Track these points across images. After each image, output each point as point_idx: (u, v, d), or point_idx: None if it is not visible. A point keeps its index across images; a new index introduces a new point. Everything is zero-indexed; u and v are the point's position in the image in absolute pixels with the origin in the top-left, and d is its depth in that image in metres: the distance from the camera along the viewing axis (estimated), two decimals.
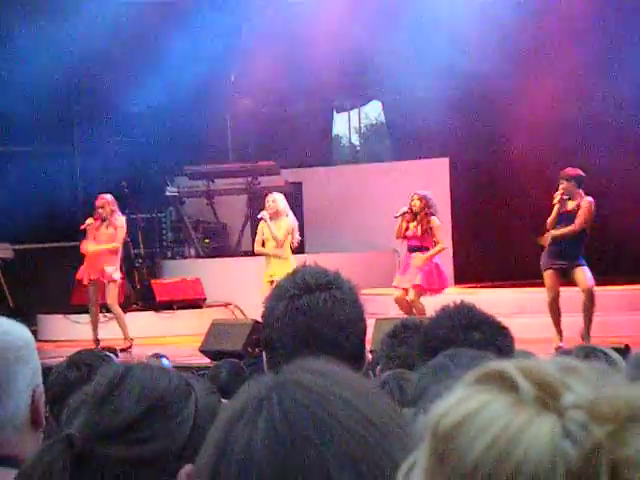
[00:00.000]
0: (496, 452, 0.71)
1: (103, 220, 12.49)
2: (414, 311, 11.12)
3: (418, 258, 11.16)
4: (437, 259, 11.41)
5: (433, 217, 11.26)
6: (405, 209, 11.31)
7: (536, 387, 0.73)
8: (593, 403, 0.72)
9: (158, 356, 7.97)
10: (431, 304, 10.79)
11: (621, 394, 0.73)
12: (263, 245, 11.87)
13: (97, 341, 12.34)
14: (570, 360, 0.77)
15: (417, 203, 11.24)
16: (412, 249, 11.39)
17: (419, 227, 11.26)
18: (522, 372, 0.74)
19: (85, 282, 12.67)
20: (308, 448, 0.93)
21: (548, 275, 10.42)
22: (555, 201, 10.46)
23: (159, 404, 1.57)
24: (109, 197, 12.65)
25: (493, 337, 2.43)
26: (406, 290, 11.23)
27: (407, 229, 11.32)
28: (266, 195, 12.18)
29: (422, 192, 11.38)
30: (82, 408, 1.58)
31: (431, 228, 11.21)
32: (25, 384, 1.91)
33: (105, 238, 12.52)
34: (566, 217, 10.41)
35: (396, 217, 11.33)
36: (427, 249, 11.31)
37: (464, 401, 0.75)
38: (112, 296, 12.57)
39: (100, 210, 12.49)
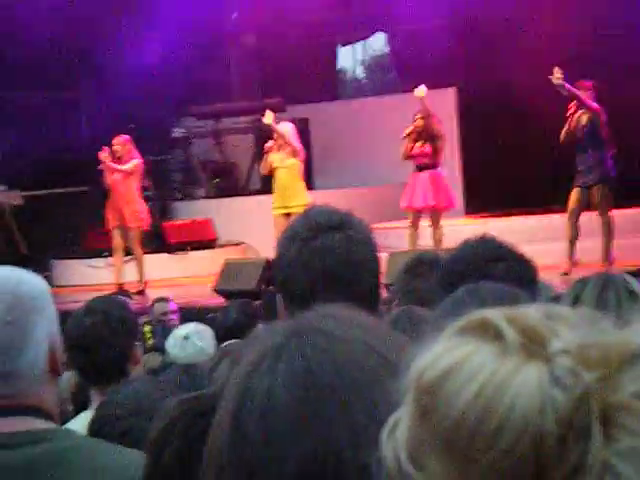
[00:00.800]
0: (482, 402, 0.69)
1: (119, 159, 12.40)
2: (432, 238, 11.21)
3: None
4: (444, 174, 11.54)
5: (441, 132, 11.48)
6: (410, 128, 11.40)
7: (522, 335, 0.71)
8: (581, 348, 0.70)
9: (164, 299, 8.03)
10: (448, 236, 10.84)
11: (610, 339, 0.71)
12: (270, 175, 11.78)
13: (121, 285, 12.37)
14: (557, 307, 0.75)
15: (420, 122, 11.32)
16: (421, 167, 11.47)
17: (428, 146, 11.35)
18: (507, 320, 0.72)
19: (110, 227, 12.64)
20: (330, 393, 0.93)
21: (572, 193, 10.58)
22: (569, 114, 10.59)
23: None
24: (126, 137, 12.62)
25: (516, 268, 2.39)
26: (418, 210, 11.39)
27: (412, 148, 11.40)
28: (272, 132, 12.11)
29: (427, 111, 11.46)
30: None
31: (439, 146, 11.41)
32: (42, 333, 1.92)
33: (117, 181, 12.50)
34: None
35: (403, 138, 11.43)
36: (436, 167, 11.44)
37: (448, 352, 0.73)
38: (136, 238, 12.59)
39: (116, 148, 12.41)
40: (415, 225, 11.47)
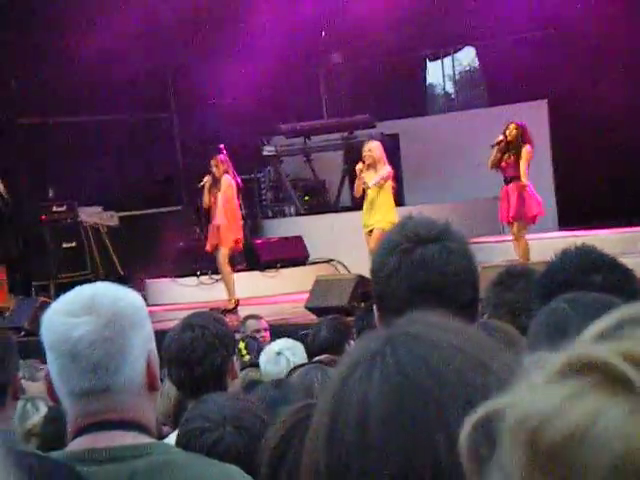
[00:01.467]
0: (621, 473, 0.62)
1: (216, 180, 12.45)
2: (517, 250, 11.10)
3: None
4: (529, 185, 11.29)
5: (526, 145, 11.17)
6: (500, 137, 11.24)
7: None
8: None
9: (255, 317, 8.07)
10: (542, 249, 10.70)
11: None
12: (364, 194, 11.66)
13: (237, 301, 12.41)
14: None
15: (514, 132, 11.18)
16: (507, 180, 11.33)
17: (513, 156, 11.18)
18: (628, 359, 0.64)
19: (210, 249, 12.68)
20: (424, 397, 0.92)
21: None
22: None
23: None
24: (222, 157, 12.69)
25: (617, 280, 2.32)
26: (513, 221, 11.29)
27: (501, 159, 11.26)
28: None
29: (519, 122, 11.31)
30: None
31: (520, 156, 11.15)
32: (140, 349, 1.94)
33: (217, 200, 12.51)
34: None
35: (492, 146, 11.30)
36: (520, 177, 11.26)
37: (569, 404, 0.65)
38: (223, 258, 12.66)
39: (213, 169, 12.48)
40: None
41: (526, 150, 11.14)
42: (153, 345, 2.00)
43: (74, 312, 1.91)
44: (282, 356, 5.31)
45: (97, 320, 1.90)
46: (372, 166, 11.46)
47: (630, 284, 2.39)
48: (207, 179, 12.47)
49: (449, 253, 1.91)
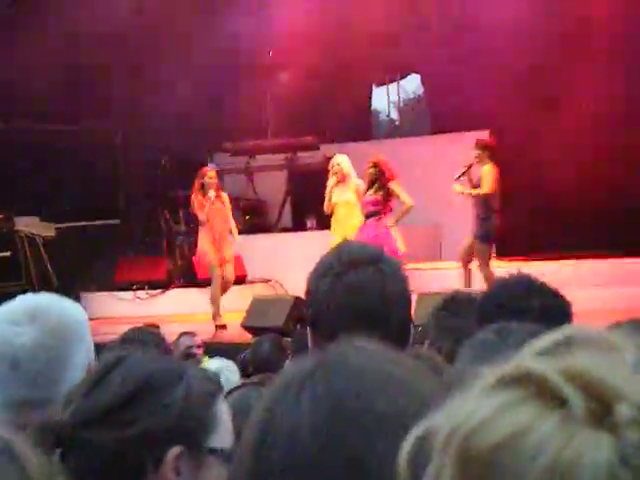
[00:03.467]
0: None
1: (204, 190, 12.05)
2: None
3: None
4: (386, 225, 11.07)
5: (392, 181, 11.05)
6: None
7: (585, 397, 0.64)
8: None
9: (189, 334, 8.03)
10: (480, 277, 10.78)
11: None
12: (332, 213, 11.47)
13: (223, 325, 12.10)
14: (608, 339, 0.68)
15: (372, 170, 11.04)
16: (367, 215, 11.11)
17: (379, 192, 11.00)
18: (565, 376, 0.65)
19: (211, 261, 12.27)
20: (352, 422, 0.92)
21: None
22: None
23: (144, 387, 1.57)
24: (215, 168, 12.37)
25: (551, 304, 2.43)
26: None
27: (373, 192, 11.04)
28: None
29: (376, 157, 11.16)
30: (74, 396, 1.60)
31: (393, 190, 11.01)
32: (81, 361, 1.93)
33: (218, 213, 12.19)
34: None
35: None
36: (382, 214, 11.06)
37: (501, 415, 0.65)
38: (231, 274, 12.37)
39: (209, 180, 12.06)
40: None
41: (396, 186, 11.06)
42: (92, 356, 1.99)
43: (17, 320, 1.90)
44: (223, 375, 5.28)
45: (40, 329, 1.89)
46: (342, 181, 11.35)
47: (564, 309, 2.48)
48: (213, 193, 12.10)
49: (382, 277, 1.92)
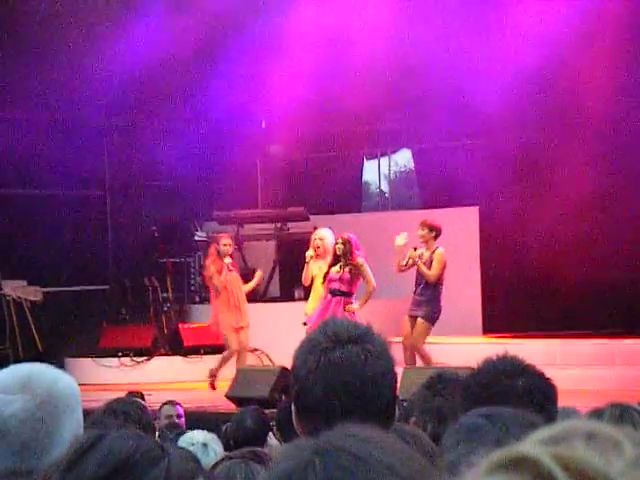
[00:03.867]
0: None
1: (221, 258, 12.14)
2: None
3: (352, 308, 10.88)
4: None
5: (359, 258, 11.01)
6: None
7: None
8: None
9: (172, 403, 7.98)
10: (466, 353, 10.77)
11: None
12: (311, 284, 11.47)
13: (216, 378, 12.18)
14: (600, 429, 0.69)
15: (341, 247, 10.96)
16: (331, 291, 11.02)
17: (345, 269, 10.94)
18: (559, 462, 0.65)
19: (228, 329, 12.30)
20: None
21: None
22: None
23: (124, 467, 1.54)
24: (229, 235, 12.40)
25: (537, 385, 2.43)
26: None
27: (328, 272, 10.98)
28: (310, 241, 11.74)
29: (347, 235, 11.12)
30: (53, 475, 1.57)
31: (361, 271, 10.96)
32: (70, 433, 1.92)
33: (234, 280, 12.31)
34: None
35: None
36: (349, 294, 11.02)
37: None
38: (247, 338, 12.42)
39: (226, 248, 12.22)
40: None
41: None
42: (82, 430, 1.98)
43: (8, 389, 1.89)
44: (209, 447, 5.23)
45: (31, 399, 1.88)
46: (322, 256, 11.35)
47: (549, 391, 2.50)
48: (229, 260, 12.22)
49: (368, 356, 1.93)
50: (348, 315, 10.63)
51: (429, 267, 10.98)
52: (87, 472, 1.53)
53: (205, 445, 5.22)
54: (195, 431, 5.57)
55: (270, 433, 6.18)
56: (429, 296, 11.00)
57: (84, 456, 1.56)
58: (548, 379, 2.55)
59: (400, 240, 11.14)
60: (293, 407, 1.99)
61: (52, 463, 1.61)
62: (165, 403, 8.04)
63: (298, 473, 0.96)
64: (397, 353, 9.51)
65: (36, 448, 1.86)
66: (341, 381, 1.90)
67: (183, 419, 7.71)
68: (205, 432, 5.48)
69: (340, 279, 10.94)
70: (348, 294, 11.00)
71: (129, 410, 3.26)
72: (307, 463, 0.96)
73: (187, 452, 1.69)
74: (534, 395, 2.33)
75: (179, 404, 7.98)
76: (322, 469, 0.95)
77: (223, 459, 4.02)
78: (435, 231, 11.12)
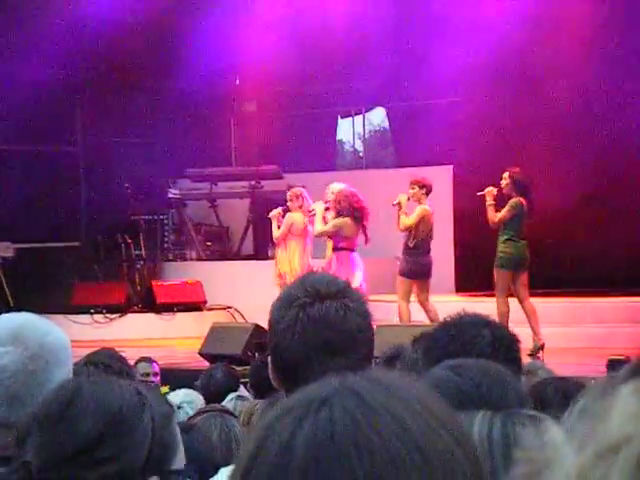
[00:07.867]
0: None
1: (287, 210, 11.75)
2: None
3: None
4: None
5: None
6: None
7: None
8: None
9: (148, 360, 7.97)
10: (439, 312, 10.82)
11: None
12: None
13: None
14: None
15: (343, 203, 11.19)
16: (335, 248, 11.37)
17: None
18: None
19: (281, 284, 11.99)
20: (343, 462, 0.90)
21: None
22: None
23: (116, 421, 1.53)
24: (298, 190, 11.89)
25: (502, 335, 2.46)
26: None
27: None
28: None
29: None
30: (34, 430, 1.54)
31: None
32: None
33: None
34: None
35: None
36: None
37: None
38: None
39: (289, 204, 11.81)
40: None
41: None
42: None
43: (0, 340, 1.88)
44: (182, 410, 5.24)
45: (23, 352, 1.87)
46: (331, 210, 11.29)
47: (512, 338, 2.53)
48: (277, 211, 11.85)
49: (346, 311, 1.93)
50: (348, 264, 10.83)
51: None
52: (76, 431, 1.52)
53: (179, 407, 5.23)
54: (178, 391, 5.56)
55: (242, 388, 6.21)
56: (403, 251, 11.14)
57: (67, 412, 1.54)
58: (510, 330, 2.58)
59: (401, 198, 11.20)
60: (270, 361, 1.99)
61: (28, 414, 1.59)
62: (140, 360, 8.02)
63: (302, 408, 0.94)
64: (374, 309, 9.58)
65: (26, 400, 1.86)
66: (320, 336, 1.91)
67: (159, 377, 7.70)
68: (184, 392, 5.46)
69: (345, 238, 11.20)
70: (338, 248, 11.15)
71: (109, 362, 3.26)
72: (312, 401, 0.94)
73: (158, 393, 1.68)
74: (499, 343, 2.37)
75: (155, 362, 7.96)
76: (327, 410, 0.93)
77: (197, 413, 4.04)
78: (425, 187, 11.16)
